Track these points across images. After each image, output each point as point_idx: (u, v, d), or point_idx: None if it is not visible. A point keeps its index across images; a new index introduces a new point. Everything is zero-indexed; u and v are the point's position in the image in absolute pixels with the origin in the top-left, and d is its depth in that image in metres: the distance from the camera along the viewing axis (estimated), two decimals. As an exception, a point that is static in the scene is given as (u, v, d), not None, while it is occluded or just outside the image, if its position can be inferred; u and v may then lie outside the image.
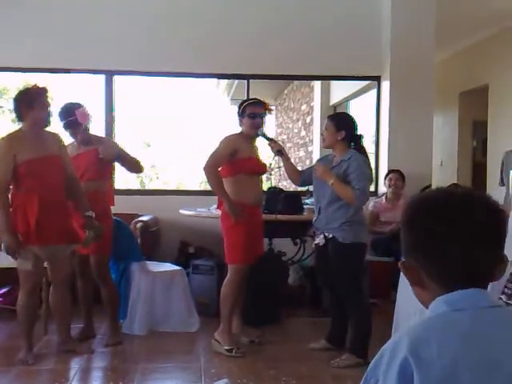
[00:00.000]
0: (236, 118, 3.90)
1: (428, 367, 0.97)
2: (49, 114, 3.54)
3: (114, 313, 4.02)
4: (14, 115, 3.59)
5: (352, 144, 3.65)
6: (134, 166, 4.10)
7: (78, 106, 3.82)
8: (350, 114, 3.85)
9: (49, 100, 3.53)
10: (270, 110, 4.02)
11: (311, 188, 4.95)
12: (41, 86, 3.53)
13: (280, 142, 4.14)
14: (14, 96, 3.62)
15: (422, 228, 1.07)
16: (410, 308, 3.28)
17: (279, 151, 3.91)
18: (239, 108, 3.86)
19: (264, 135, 3.93)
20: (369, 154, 3.89)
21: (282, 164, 4.01)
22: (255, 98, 3.95)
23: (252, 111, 3.79)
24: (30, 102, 3.45)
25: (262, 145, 4.13)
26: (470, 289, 1.04)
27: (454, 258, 1.04)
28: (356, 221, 3.58)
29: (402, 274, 3.66)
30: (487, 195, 1.12)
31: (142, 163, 4.18)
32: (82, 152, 3.88)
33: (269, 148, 4.00)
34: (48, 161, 3.51)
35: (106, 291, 3.96)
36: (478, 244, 1.04)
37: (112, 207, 4.04)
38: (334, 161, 3.65)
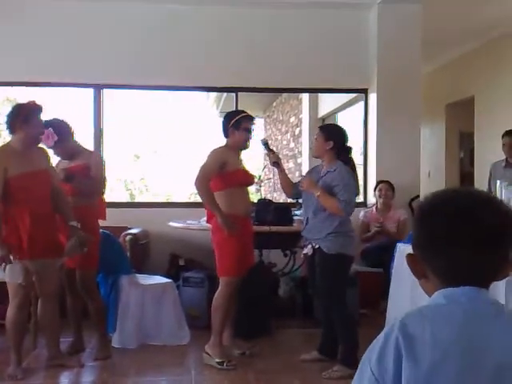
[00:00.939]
0: (222, 129, 3.88)
1: (419, 354, 1.00)
2: (41, 132, 3.57)
3: (102, 327, 3.99)
4: (5, 127, 3.58)
5: (340, 156, 3.69)
6: (90, 192, 3.87)
7: (48, 125, 3.71)
8: (342, 127, 3.90)
9: (41, 118, 3.56)
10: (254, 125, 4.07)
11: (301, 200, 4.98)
12: (36, 103, 3.54)
13: (278, 154, 4.15)
14: (10, 109, 3.63)
15: (426, 227, 1.11)
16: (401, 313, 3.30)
17: (276, 163, 3.93)
18: (231, 119, 3.83)
19: (266, 144, 3.96)
20: (357, 166, 3.93)
21: (272, 176, 4.04)
22: (245, 112, 3.97)
23: (248, 126, 3.82)
24: (27, 118, 3.47)
25: (250, 157, 4.15)
26: (470, 286, 1.07)
27: (455, 259, 1.06)
28: (342, 232, 3.60)
29: (391, 282, 3.68)
30: (495, 197, 1.14)
31: (102, 193, 4.01)
32: (68, 167, 3.87)
33: (258, 160, 4.02)
34: (37, 175, 3.52)
35: (92, 306, 3.93)
36: (481, 247, 1.05)
37: (101, 220, 4.03)
38: (322, 171, 3.70)
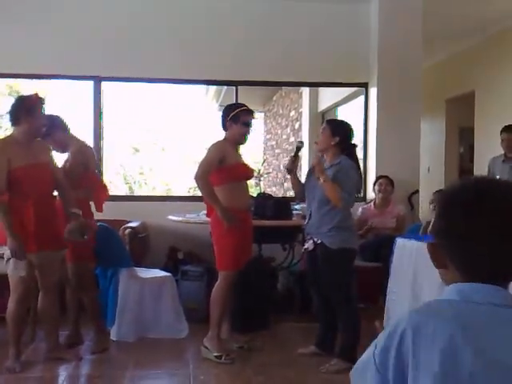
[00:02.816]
0: (220, 121, 3.86)
1: (425, 345, 0.97)
2: (44, 124, 3.56)
3: (98, 320, 4.00)
4: (8, 119, 3.57)
5: (345, 152, 3.67)
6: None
7: None
8: (349, 123, 3.84)
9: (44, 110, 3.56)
10: (254, 118, 3.98)
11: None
12: (39, 95, 3.53)
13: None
14: (13, 101, 3.62)
15: (449, 219, 1.07)
16: (402, 309, 3.30)
17: (290, 169, 3.79)
18: (229, 112, 3.80)
19: (299, 149, 3.83)
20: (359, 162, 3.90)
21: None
22: (245, 105, 3.94)
23: (246, 119, 3.79)
24: (30, 110, 3.46)
25: (249, 151, 4.13)
26: (488, 284, 1.02)
27: (477, 253, 1.03)
28: (343, 226, 3.59)
29: (390, 277, 3.67)
30: None
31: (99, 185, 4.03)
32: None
33: (257, 154, 4.00)
34: (40, 168, 3.52)
35: (87, 299, 3.95)
36: (505, 242, 1.01)
37: (100, 213, 4.02)
38: (325, 165, 3.67)
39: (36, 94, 3.54)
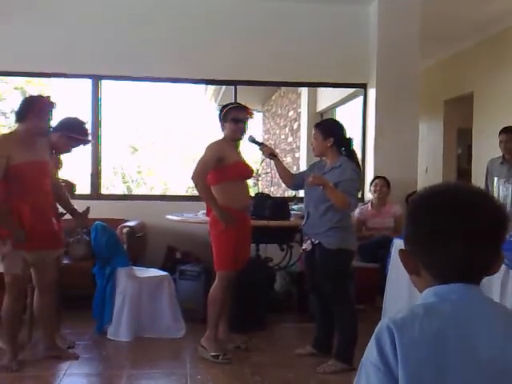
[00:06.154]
0: (218, 123, 3.87)
1: (410, 348, 1.00)
2: (48, 126, 3.57)
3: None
4: (15, 115, 3.57)
5: (343, 149, 3.67)
6: None
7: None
8: (337, 120, 3.85)
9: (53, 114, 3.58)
10: (252, 115, 3.95)
11: (298, 194, 4.98)
12: (51, 99, 3.54)
13: (270, 145, 4.12)
14: (24, 98, 3.64)
15: (420, 223, 1.10)
16: (398, 308, 3.30)
17: (272, 154, 3.91)
18: (221, 112, 3.84)
19: (253, 140, 3.94)
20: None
21: (270, 170, 4.02)
22: (237, 103, 3.95)
23: (235, 116, 3.78)
24: (39, 111, 3.45)
25: (248, 150, 4.13)
26: (462, 283, 1.06)
27: (449, 255, 1.06)
28: (342, 227, 3.57)
29: (388, 278, 3.66)
30: (487, 192, 1.14)
31: None
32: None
33: (256, 153, 4.01)
34: (40, 165, 3.51)
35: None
36: (475, 242, 1.05)
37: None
38: (326, 167, 3.66)
39: (48, 97, 3.53)
